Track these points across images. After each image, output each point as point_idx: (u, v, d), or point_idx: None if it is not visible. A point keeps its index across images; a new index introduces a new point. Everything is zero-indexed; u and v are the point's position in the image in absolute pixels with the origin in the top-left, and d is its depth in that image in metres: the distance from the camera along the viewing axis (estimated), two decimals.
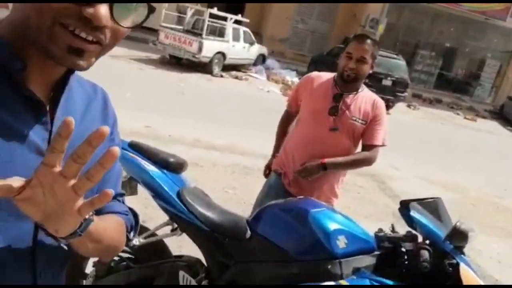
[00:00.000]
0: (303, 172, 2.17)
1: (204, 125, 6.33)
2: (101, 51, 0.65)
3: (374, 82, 11.59)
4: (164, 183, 1.88)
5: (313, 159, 2.16)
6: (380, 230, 1.85)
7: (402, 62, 12.19)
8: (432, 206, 1.71)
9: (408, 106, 13.84)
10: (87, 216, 0.61)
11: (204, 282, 1.84)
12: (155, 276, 1.89)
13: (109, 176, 0.80)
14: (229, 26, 11.51)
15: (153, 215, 2.68)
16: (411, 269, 1.65)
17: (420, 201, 1.72)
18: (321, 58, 13.95)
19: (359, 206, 4.74)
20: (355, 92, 2.20)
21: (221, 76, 11.31)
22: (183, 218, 1.84)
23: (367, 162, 2.24)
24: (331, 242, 1.64)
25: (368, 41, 2.15)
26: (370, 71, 2.18)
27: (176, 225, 1.93)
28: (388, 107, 12.19)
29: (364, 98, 2.21)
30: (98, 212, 0.68)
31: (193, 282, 1.85)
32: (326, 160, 2.14)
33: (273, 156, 2.51)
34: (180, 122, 6.18)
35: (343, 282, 1.58)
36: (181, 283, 1.87)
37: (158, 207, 1.91)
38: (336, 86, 2.22)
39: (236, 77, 11.71)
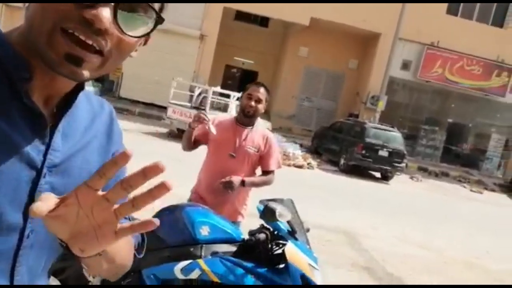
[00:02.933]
0: (228, 184, 2.57)
1: (184, 182, 6.82)
2: (103, 63, 0.63)
3: (371, 152, 12.05)
4: None
5: (217, 180, 2.62)
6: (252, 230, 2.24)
7: (397, 134, 12.68)
8: (281, 203, 2.11)
9: (411, 178, 14.02)
10: None
11: None
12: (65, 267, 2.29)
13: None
14: (232, 103, 12.52)
15: None
16: (262, 253, 2.01)
17: (271, 200, 2.12)
18: (323, 132, 14.65)
19: (319, 255, 4.91)
20: (251, 127, 2.74)
21: None
22: None
23: (270, 182, 2.79)
24: (195, 229, 2.04)
25: (262, 88, 2.74)
26: (263, 111, 2.74)
27: None
28: (386, 177, 12.63)
29: (257, 132, 2.76)
30: None
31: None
32: (245, 178, 2.63)
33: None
34: (162, 179, 6.71)
35: (200, 261, 1.95)
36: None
37: None
38: (237, 123, 2.76)
39: None
